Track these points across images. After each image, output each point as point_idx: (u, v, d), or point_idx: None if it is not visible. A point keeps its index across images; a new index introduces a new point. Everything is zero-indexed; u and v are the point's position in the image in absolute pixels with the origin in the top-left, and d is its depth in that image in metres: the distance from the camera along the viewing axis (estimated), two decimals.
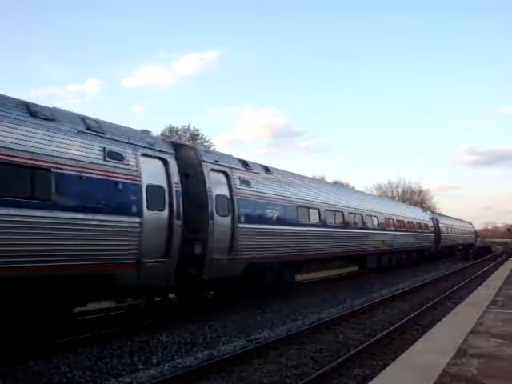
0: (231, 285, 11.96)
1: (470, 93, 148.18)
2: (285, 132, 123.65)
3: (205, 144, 43.59)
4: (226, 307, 11.85)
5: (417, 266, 29.17)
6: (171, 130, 43.89)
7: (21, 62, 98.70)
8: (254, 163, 13.50)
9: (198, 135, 44.56)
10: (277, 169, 14.99)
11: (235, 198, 11.71)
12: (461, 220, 56.04)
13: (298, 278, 17.12)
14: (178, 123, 45.51)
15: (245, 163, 13.01)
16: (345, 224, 18.49)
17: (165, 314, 10.85)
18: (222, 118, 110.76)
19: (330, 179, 55.54)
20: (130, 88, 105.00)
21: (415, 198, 79.05)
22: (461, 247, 49.57)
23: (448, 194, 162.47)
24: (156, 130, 42.43)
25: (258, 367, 7.19)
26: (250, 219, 12.14)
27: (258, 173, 13.27)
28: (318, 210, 16.25)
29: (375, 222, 22.34)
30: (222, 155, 12.50)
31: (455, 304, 12.61)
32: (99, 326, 9.60)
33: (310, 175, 24.74)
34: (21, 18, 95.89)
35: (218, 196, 11.18)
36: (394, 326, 9.95)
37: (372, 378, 5.76)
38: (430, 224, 34.39)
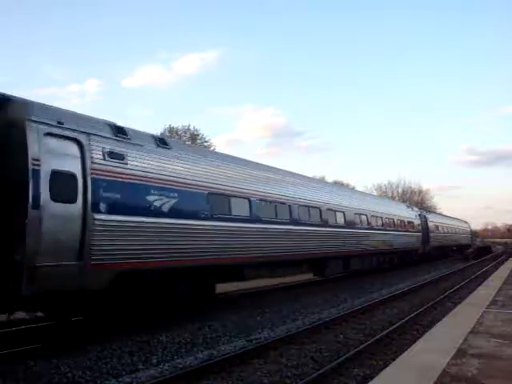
0: (93, 303, 8.66)
1: (470, 93, 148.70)
2: (285, 132, 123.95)
3: (205, 144, 43.69)
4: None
5: (417, 267, 29.12)
6: (171, 130, 43.99)
7: (21, 62, 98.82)
8: (136, 131, 10.04)
9: (197, 135, 44.70)
10: (181, 143, 11.19)
11: (90, 177, 8.21)
12: (455, 218, 53.13)
13: (223, 289, 13.32)
14: (178, 123, 45.68)
15: (119, 129, 9.33)
16: (292, 220, 14.60)
17: None
18: (221, 118, 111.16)
19: (330, 179, 55.61)
20: (130, 88, 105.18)
21: (415, 198, 79.23)
22: (455, 248, 46.41)
23: (448, 194, 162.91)
24: (156, 130, 42.55)
25: (258, 367, 7.18)
26: (119, 208, 8.63)
27: (140, 145, 9.60)
28: (249, 200, 12.49)
29: (340, 219, 18.54)
30: (76, 115, 8.78)
31: (455, 304, 12.61)
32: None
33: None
34: (21, 18, 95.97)
35: (55, 173, 7.71)
36: (394, 326, 9.95)
37: (372, 377, 5.76)
38: (417, 222, 30.69)
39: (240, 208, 12.16)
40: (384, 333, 9.31)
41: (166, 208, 9.75)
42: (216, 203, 11.28)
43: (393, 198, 68.76)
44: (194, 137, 44.00)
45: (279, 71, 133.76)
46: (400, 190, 79.85)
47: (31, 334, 8.94)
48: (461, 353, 6.35)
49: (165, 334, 9.23)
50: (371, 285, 18.87)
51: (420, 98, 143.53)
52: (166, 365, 7.28)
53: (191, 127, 44.60)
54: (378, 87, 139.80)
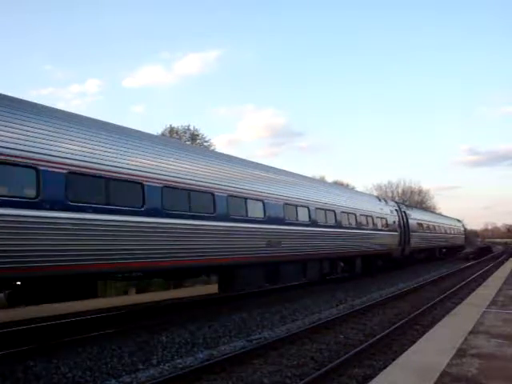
0: None
1: (470, 93, 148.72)
2: (285, 132, 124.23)
3: (205, 144, 43.71)
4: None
5: (418, 267, 29.07)
6: (171, 130, 43.99)
7: (21, 63, 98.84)
8: None
9: (197, 135, 44.68)
10: None
11: None
12: (446, 216, 48.59)
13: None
14: (179, 123, 45.74)
15: None
16: (149, 209, 9.45)
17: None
18: (222, 118, 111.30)
19: (330, 179, 55.51)
20: (131, 88, 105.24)
21: (415, 198, 79.20)
22: (444, 250, 40.83)
23: (448, 194, 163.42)
24: (156, 130, 42.57)
25: (258, 367, 7.18)
26: None
27: None
28: (35, 170, 7.45)
29: (259, 211, 13.15)
30: None
31: (455, 304, 12.59)
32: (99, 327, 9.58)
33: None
34: (21, 18, 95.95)
35: None
36: (394, 326, 9.94)
37: (372, 377, 5.75)
38: (392, 219, 25.00)
39: (51, 188, 7.57)
40: (384, 333, 9.30)
41: None
42: None
43: (393, 197, 68.44)
44: (193, 137, 44.00)
45: (279, 71, 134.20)
46: (400, 190, 79.93)
47: (31, 334, 8.94)
48: (461, 353, 6.34)
49: (165, 333, 9.24)
50: (371, 284, 18.88)
51: (420, 98, 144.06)
52: (166, 365, 7.29)
53: (191, 127, 44.61)
54: (378, 87, 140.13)
